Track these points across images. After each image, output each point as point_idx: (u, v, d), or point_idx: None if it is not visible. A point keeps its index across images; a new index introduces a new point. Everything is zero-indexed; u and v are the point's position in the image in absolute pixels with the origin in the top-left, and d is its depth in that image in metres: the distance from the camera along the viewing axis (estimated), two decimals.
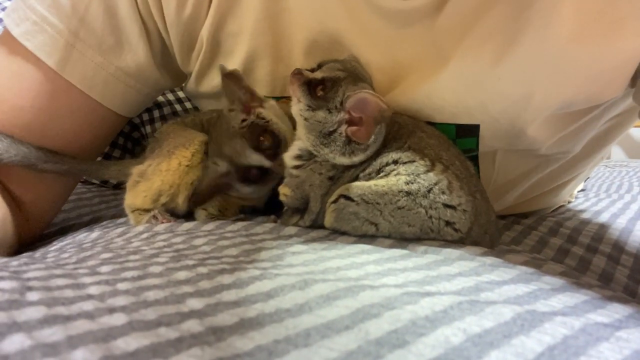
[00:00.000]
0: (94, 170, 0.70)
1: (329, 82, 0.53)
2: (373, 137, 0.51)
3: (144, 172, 0.63)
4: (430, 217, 0.49)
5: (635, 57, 0.51)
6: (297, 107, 0.54)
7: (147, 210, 0.62)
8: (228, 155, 0.61)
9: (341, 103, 0.52)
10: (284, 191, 0.57)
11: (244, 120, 0.61)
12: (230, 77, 0.62)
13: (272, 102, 0.63)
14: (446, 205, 0.49)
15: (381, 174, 0.52)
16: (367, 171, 0.53)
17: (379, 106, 0.49)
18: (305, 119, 0.54)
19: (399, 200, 0.49)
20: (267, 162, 0.60)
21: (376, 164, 0.53)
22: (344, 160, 0.53)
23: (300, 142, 0.56)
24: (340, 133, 0.52)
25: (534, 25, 0.52)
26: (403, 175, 0.50)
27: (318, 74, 0.54)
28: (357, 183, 0.52)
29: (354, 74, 0.55)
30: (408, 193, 0.49)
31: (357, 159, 0.52)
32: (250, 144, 0.60)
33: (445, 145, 0.54)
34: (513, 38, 0.53)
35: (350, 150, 0.52)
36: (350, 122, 0.51)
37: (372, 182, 0.51)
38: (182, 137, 0.63)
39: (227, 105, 0.63)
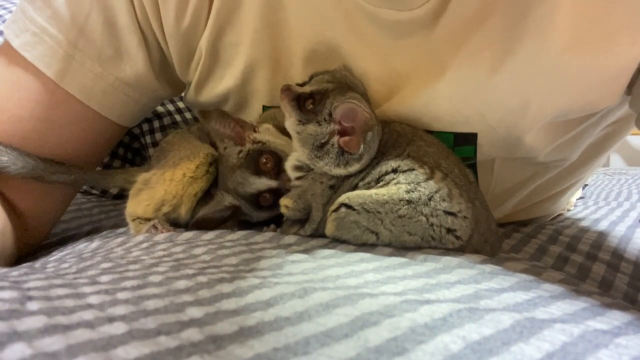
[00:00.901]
0: (100, 180, 0.70)
1: (317, 95, 0.54)
2: (363, 146, 0.51)
3: (148, 180, 0.63)
4: (432, 224, 0.50)
5: (630, 66, 0.51)
6: (289, 122, 0.55)
7: (148, 220, 0.62)
8: (232, 189, 0.61)
9: (330, 114, 0.52)
10: (286, 202, 0.57)
11: (240, 152, 0.61)
12: (212, 117, 0.63)
13: (266, 126, 0.64)
14: (447, 213, 0.50)
15: (381, 183, 0.52)
16: (366, 180, 0.53)
17: (363, 115, 0.50)
18: (298, 133, 0.54)
19: (399, 209, 0.50)
20: (273, 183, 0.60)
21: (375, 172, 0.53)
22: (340, 171, 0.53)
23: (297, 154, 0.56)
24: (333, 144, 0.52)
25: (530, 35, 0.52)
26: (403, 184, 0.50)
27: (307, 88, 0.55)
28: (357, 192, 0.52)
29: (344, 84, 0.55)
30: (409, 202, 0.49)
31: (352, 169, 0.53)
32: (250, 171, 0.60)
33: (444, 153, 0.54)
34: (509, 48, 0.53)
35: (345, 161, 0.52)
36: (342, 133, 0.52)
37: (372, 191, 0.51)
38: (187, 149, 0.63)
39: (220, 146, 0.64)
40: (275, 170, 0.60)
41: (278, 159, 0.60)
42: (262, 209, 0.62)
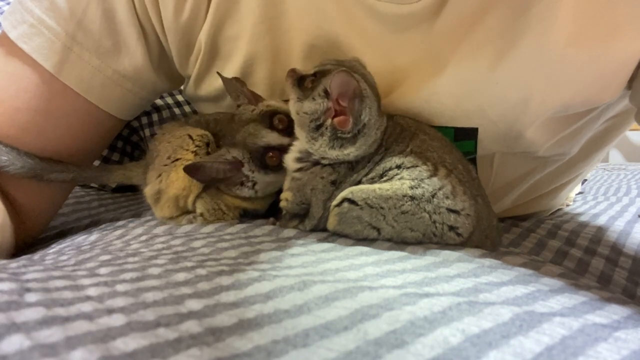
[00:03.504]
0: (99, 176, 0.70)
1: (319, 74, 0.53)
2: (355, 125, 0.51)
3: (159, 190, 0.63)
4: (434, 221, 0.49)
5: (632, 60, 0.51)
6: (290, 104, 0.55)
7: (179, 215, 0.64)
8: (241, 141, 0.60)
9: (324, 90, 0.51)
10: (286, 196, 0.57)
11: (253, 110, 0.61)
12: (232, 81, 0.63)
13: (275, 100, 0.64)
14: (450, 210, 0.49)
15: (384, 178, 0.52)
16: (370, 175, 0.53)
17: (353, 83, 0.49)
18: (297, 113, 0.54)
19: (403, 205, 0.49)
20: (285, 139, 0.58)
21: (379, 168, 0.53)
22: (335, 154, 0.52)
23: (298, 143, 0.56)
24: (326, 127, 0.52)
25: (532, 29, 0.52)
26: (407, 180, 0.50)
27: (310, 70, 0.55)
28: (361, 186, 0.52)
29: (348, 67, 0.54)
30: (412, 198, 0.49)
31: (347, 151, 0.52)
32: (263, 125, 0.60)
33: (448, 148, 0.54)
34: (511, 42, 0.53)
35: (340, 144, 0.52)
36: (336, 114, 0.51)
37: (376, 186, 0.51)
38: (178, 138, 0.63)
39: (234, 102, 0.64)
40: (288, 130, 0.59)
41: (291, 121, 0.58)
42: (266, 169, 0.60)
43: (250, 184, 0.61)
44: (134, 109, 0.70)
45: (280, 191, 0.59)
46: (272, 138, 0.59)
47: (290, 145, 0.57)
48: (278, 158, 0.59)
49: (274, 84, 0.65)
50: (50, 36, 0.59)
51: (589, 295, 0.38)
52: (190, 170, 0.58)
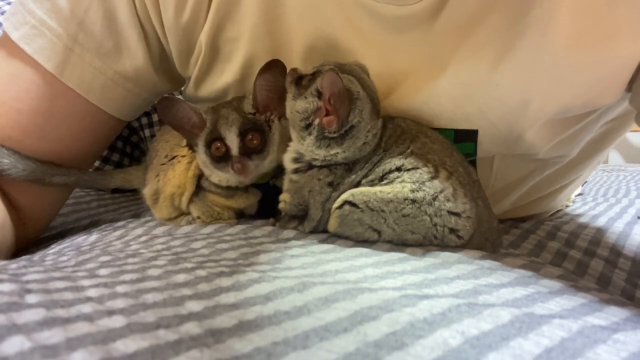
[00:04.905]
0: (100, 180, 0.71)
1: (317, 73, 0.53)
2: (337, 124, 0.51)
3: (157, 190, 0.64)
4: (435, 224, 0.50)
5: (632, 62, 0.51)
6: (287, 101, 0.55)
7: (178, 216, 0.64)
8: (216, 116, 0.59)
9: (317, 90, 0.52)
10: (284, 198, 0.57)
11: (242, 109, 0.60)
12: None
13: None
14: (451, 213, 0.50)
15: (385, 181, 0.52)
16: (369, 177, 0.53)
17: (339, 82, 0.49)
18: (290, 111, 0.54)
19: (404, 208, 0.50)
20: (235, 151, 0.57)
21: (379, 170, 0.53)
22: (322, 153, 0.53)
23: (294, 144, 0.56)
24: (314, 127, 0.52)
25: (532, 31, 0.52)
26: (408, 183, 0.50)
27: (310, 70, 0.55)
28: (362, 189, 0.52)
29: (345, 70, 0.54)
30: (413, 201, 0.49)
31: (333, 151, 0.52)
32: (237, 122, 0.58)
33: (449, 150, 0.54)
34: (511, 44, 0.53)
35: (326, 144, 0.52)
36: (327, 114, 0.52)
37: (377, 189, 0.51)
38: (175, 136, 0.64)
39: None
40: (259, 147, 0.58)
41: (263, 140, 0.58)
42: (209, 156, 0.59)
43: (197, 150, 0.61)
44: (134, 110, 0.70)
45: (278, 192, 0.59)
46: (230, 140, 0.58)
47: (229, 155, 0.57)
48: (221, 154, 0.58)
49: None
50: (51, 37, 0.59)
51: (588, 297, 0.38)
52: (163, 102, 0.58)
